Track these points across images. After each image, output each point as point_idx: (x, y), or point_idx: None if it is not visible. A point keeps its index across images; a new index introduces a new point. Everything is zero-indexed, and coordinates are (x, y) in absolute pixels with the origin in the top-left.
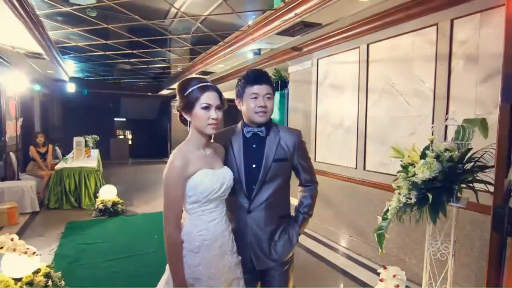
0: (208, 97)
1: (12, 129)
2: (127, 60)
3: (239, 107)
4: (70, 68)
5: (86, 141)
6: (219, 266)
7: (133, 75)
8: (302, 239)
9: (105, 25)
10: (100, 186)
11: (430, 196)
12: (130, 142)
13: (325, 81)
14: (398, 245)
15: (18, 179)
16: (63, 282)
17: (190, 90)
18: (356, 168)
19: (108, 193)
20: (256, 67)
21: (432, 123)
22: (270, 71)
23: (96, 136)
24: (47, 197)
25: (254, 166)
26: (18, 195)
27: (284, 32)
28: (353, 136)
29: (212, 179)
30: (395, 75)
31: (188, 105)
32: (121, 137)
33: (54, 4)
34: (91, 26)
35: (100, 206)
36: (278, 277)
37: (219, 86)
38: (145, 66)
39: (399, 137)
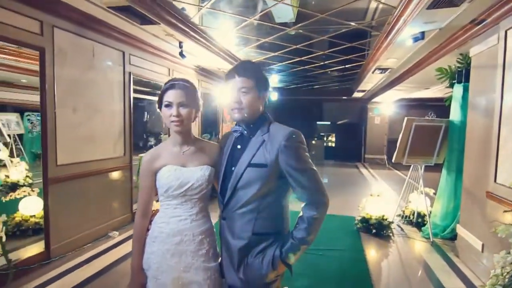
0: (168, 95)
1: (226, 130)
2: (303, 68)
3: None
4: (273, 80)
5: None
6: (171, 263)
7: (315, 81)
8: None
9: (263, 39)
10: None
11: None
12: (324, 144)
13: None
14: None
15: None
16: None
17: (161, 90)
18: None
19: None
20: (434, 55)
21: None
22: (453, 57)
23: None
24: None
25: (233, 169)
26: None
27: (437, 3)
28: None
29: (173, 175)
30: None
31: (159, 105)
32: (316, 140)
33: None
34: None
35: None
36: None
37: (403, 83)
38: (322, 70)
39: None
